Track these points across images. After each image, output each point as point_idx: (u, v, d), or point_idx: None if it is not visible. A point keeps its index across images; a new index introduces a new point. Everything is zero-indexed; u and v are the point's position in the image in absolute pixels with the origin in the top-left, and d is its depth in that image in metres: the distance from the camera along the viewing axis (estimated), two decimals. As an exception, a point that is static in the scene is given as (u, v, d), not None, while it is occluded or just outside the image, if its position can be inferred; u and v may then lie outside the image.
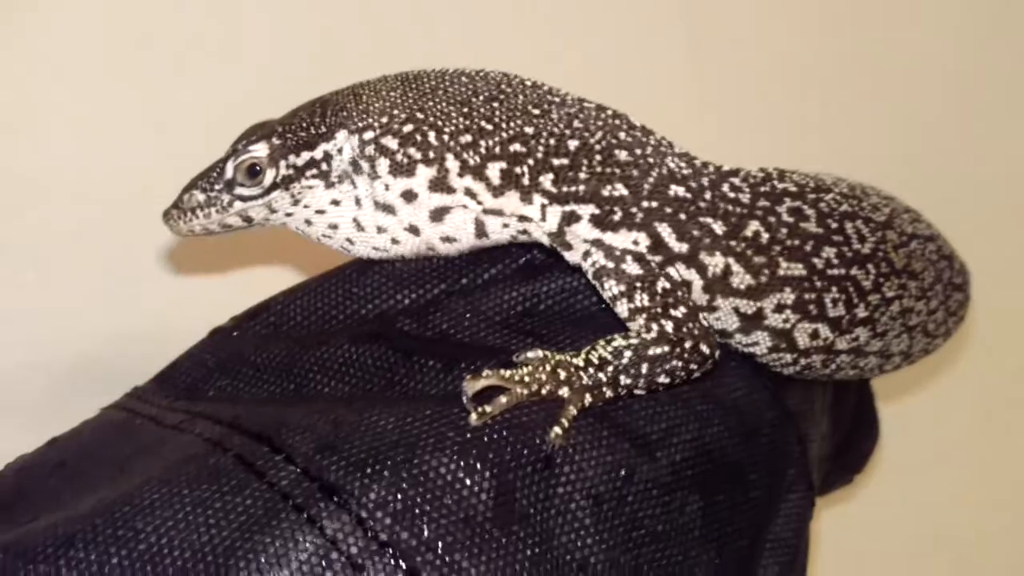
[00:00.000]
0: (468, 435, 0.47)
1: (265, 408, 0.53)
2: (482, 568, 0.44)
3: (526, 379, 0.49)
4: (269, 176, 0.54)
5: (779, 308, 0.54)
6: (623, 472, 0.49)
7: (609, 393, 0.50)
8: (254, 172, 0.54)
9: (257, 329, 0.60)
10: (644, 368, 0.50)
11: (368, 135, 0.53)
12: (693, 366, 0.51)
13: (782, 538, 0.58)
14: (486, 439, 0.47)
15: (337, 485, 0.45)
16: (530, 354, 0.51)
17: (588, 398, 0.50)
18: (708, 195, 0.53)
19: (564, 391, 0.49)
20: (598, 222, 0.53)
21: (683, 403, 0.52)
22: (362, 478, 0.45)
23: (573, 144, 0.53)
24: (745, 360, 0.57)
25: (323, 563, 0.43)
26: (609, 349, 0.50)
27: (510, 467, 0.47)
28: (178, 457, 0.49)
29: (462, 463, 0.46)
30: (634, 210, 0.53)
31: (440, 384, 0.51)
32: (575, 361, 0.50)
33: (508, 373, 0.49)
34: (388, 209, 0.54)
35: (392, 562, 0.44)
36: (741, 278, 0.54)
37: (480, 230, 0.54)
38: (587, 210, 0.53)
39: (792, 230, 0.54)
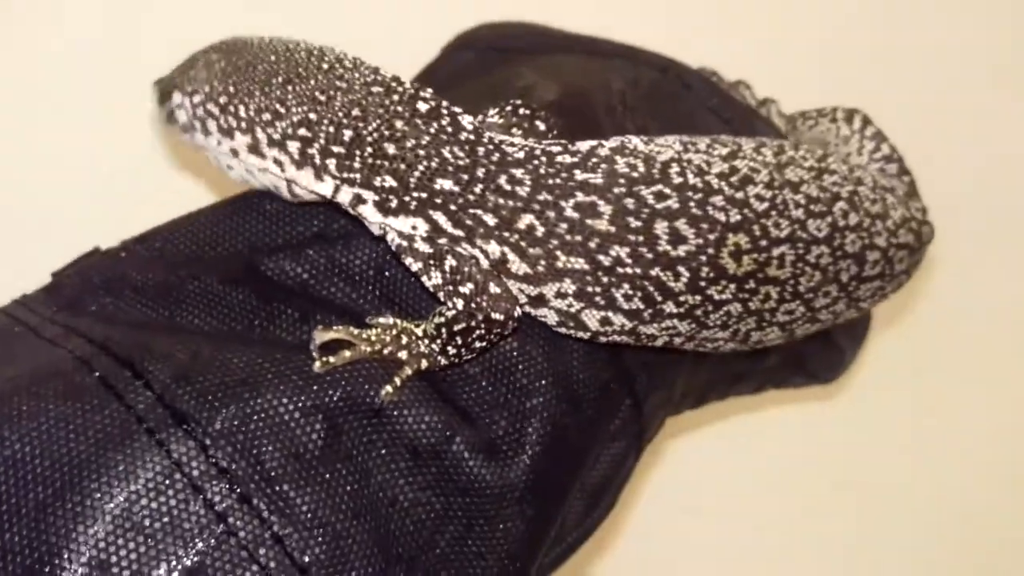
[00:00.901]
0: (309, 380, 0.53)
1: (137, 332, 0.58)
2: (306, 498, 0.51)
3: (372, 338, 0.56)
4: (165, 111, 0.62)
5: (560, 295, 0.56)
6: (446, 433, 0.55)
7: (443, 361, 0.56)
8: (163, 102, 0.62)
9: (144, 254, 0.64)
10: (459, 340, 0.56)
11: (197, 99, 0.58)
12: (496, 331, 0.56)
13: (594, 481, 0.64)
14: (325, 385, 0.54)
15: (187, 413, 0.51)
16: (381, 319, 0.57)
17: (424, 363, 0.56)
18: (478, 188, 0.56)
19: (403, 354, 0.56)
20: (380, 207, 0.57)
21: (509, 379, 0.58)
22: (210, 409, 0.51)
23: (348, 134, 0.56)
24: None
25: (166, 483, 0.49)
26: (433, 324, 0.56)
27: (342, 413, 0.53)
28: (49, 371, 0.54)
29: (299, 404, 0.53)
30: (407, 199, 0.56)
31: (295, 332, 0.57)
32: (416, 331, 0.56)
33: (357, 331, 0.56)
34: (226, 157, 0.60)
35: (227, 487, 0.50)
36: (518, 266, 0.56)
37: (291, 192, 0.59)
38: (369, 196, 0.57)
39: (574, 226, 0.55)
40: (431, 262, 0.56)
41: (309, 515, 0.51)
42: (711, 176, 0.58)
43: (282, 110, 0.56)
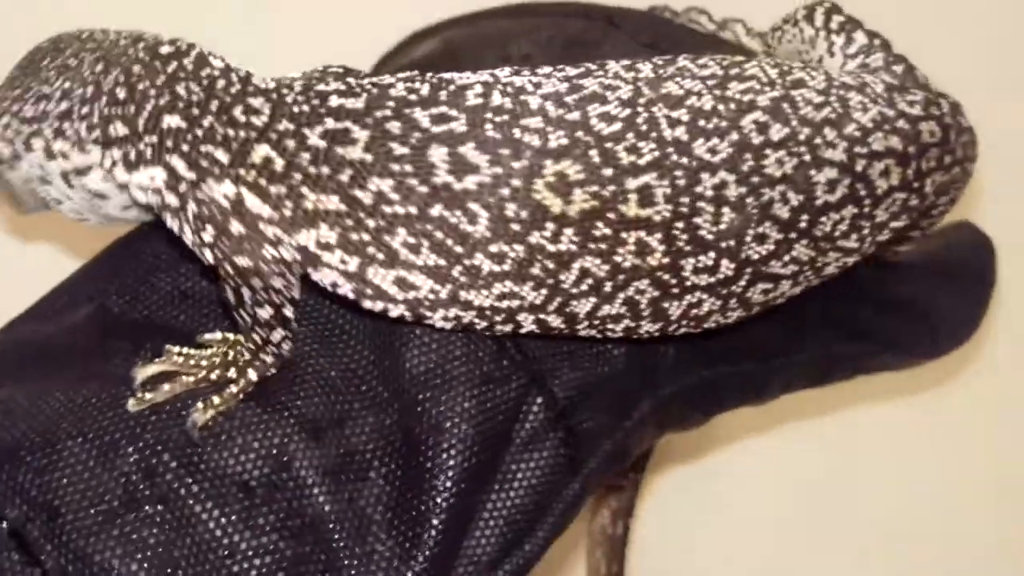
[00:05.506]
0: (113, 419, 0.47)
1: None
2: (107, 553, 0.44)
3: (202, 363, 0.48)
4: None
5: (324, 247, 0.47)
6: (283, 459, 0.47)
7: (269, 359, 0.48)
8: None
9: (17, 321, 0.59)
10: (247, 317, 0.48)
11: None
12: (261, 285, 0.48)
13: (515, 504, 0.52)
14: (132, 423, 0.47)
15: None
16: (209, 335, 0.50)
17: (253, 373, 0.48)
18: (207, 121, 0.48)
19: (232, 373, 0.48)
20: (126, 163, 0.49)
21: (361, 390, 0.50)
22: (9, 465, 0.45)
23: (90, 91, 0.50)
24: None
25: None
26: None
27: (154, 450, 0.46)
28: None
29: (99, 446, 0.46)
30: (141, 147, 0.49)
31: (127, 366, 0.50)
32: (240, 338, 0.49)
33: (181, 359, 0.48)
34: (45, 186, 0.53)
35: (17, 550, 0.44)
36: (258, 207, 0.47)
37: (92, 196, 0.52)
38: (111, 154, 0.50)
39: (321, 156, 0.47)
40: (181, 214, 0.48)
41: (111, 571, 0.44)
42: (532, 96, 0.47)
43: (46, 90, 0.50)
